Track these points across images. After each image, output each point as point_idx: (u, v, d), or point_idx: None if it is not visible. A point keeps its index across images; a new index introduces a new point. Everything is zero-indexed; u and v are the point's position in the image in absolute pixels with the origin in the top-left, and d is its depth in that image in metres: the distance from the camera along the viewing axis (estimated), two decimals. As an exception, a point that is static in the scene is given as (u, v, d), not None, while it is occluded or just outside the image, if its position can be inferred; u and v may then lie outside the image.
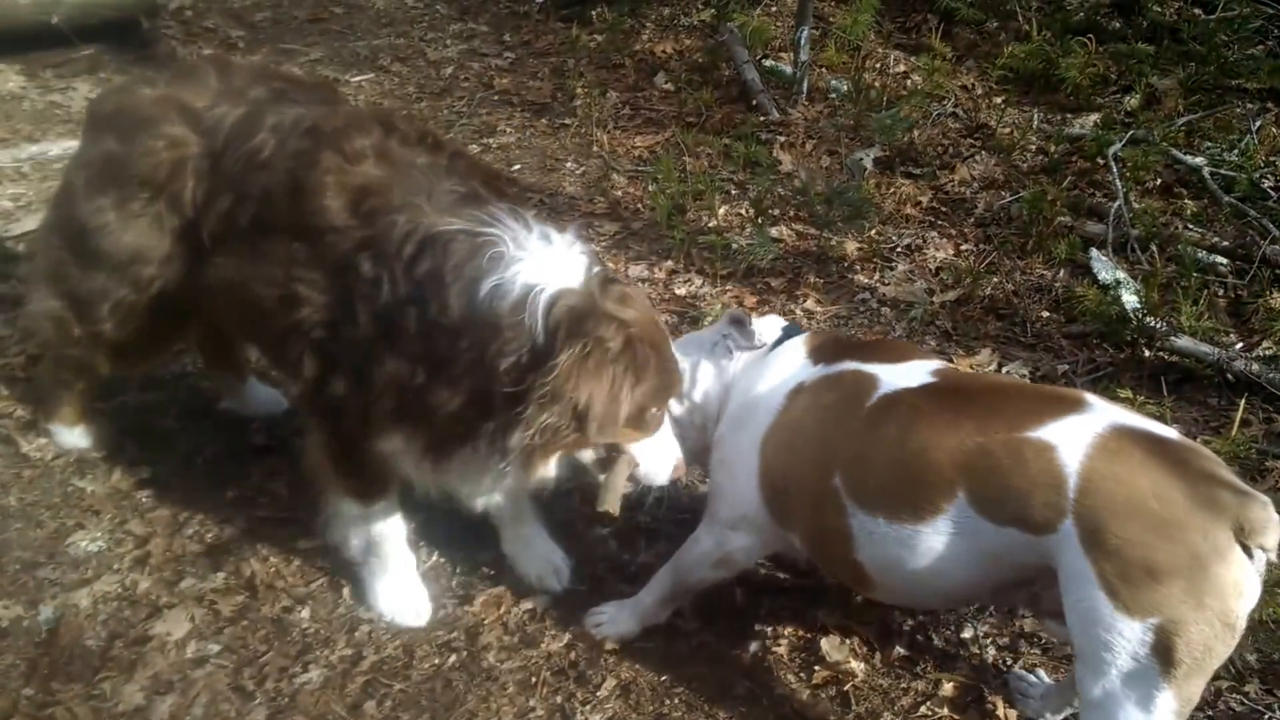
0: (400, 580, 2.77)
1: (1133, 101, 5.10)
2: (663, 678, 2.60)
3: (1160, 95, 5.14)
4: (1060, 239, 4.12)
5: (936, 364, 2.36)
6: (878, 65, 5.50)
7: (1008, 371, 3.62)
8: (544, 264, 2.17)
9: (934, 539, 2.08)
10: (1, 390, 3.44)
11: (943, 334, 3.84)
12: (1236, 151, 4.52)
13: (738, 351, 2.58)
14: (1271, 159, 4.52)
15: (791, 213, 4.48)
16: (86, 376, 3.12)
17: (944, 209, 4.56)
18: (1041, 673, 2.60)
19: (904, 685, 2.59)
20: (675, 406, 2.59)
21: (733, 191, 4.67)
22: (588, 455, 2.33)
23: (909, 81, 5.36)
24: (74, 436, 3.23)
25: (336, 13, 6.65)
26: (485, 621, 2.75)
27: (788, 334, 2.57)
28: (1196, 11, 5.53)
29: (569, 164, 4.98)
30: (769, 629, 2.72)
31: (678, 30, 6.15)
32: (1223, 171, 4.39)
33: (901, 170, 4.78)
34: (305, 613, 2.78)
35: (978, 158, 4.85)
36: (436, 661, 2.66)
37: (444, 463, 2.36)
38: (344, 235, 2.30)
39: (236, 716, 2.51)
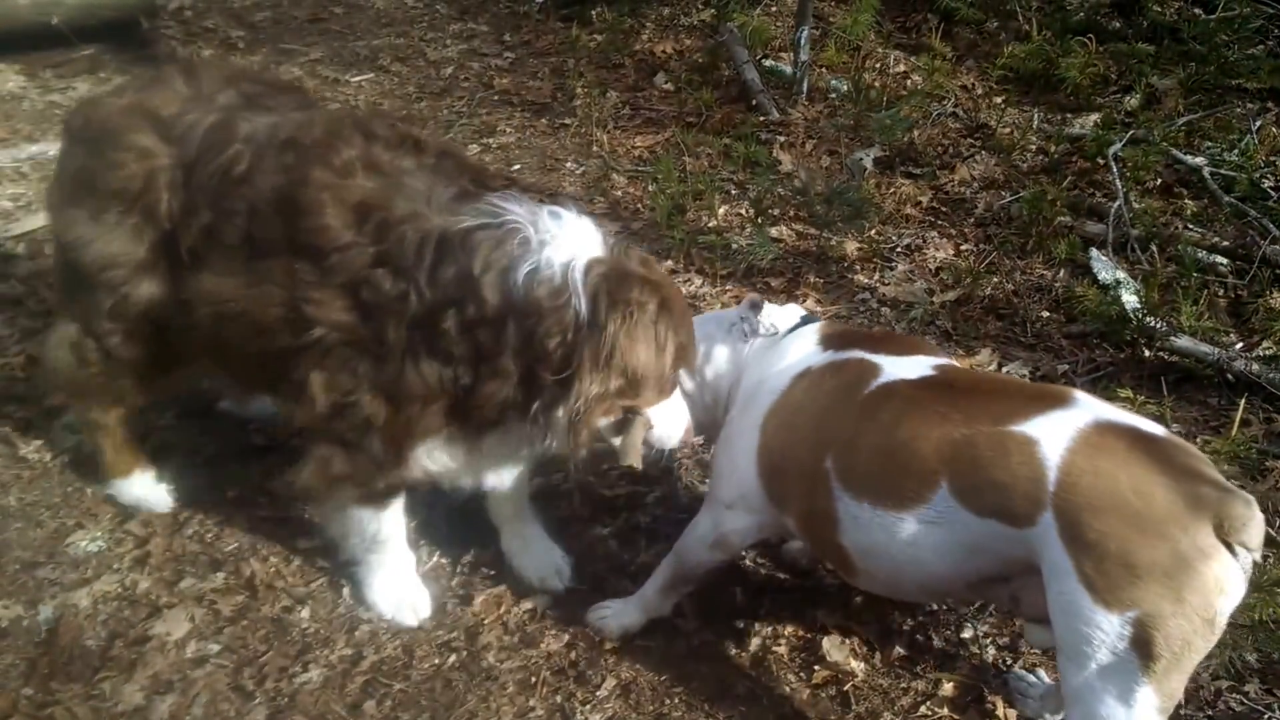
0: (400, 580, 2.77)
1: (1133, 101, 5.09)
2: (663, 677, 2.60)
3: (1160, 95, 5.14)
4: (1060, 239, 4.12)
5: (941, 360, 2.38)
6: (878, 65, 5.50)
7: (1008, 371, 3.62)
8: (567, 238, 2.23)
9: (916, 527, 2.09)
10: (1, 390, 3.43)
11: (943, 334, 3.84)
12: (1236, 151, 4.51)
13: (752, 336, 2.61)
14: (1271, 159, 4.51)
15: (791, 213, 4.48)
16: (116, 410, 2.95)
17: (944, 209, 4.56)
18: (1041, 673, 2.60)
19: (904, 685, 2.59)
20: (686, 381, 2.62)
21: (732, 191, 4.66)
22: (604, 420, 2.35)
23: (909, 81, 5.35)
24: (136, 487, 3.03)
25: (336, 13, 6.64)
26: (485, 621, 2.75)
27: (804, 322, 2.61)
28: (1196, 11, 5.52)
29: (569, 164, 4.98)
30: (769, 629, 2.72)
31: (678, 30, 6.15)
32: (1223, 171, 4.39)
33: (901, 170, 4.78)
34: (305, 612, 2.78)
35: (978, 158, 4.85)
36: (436, 661, 2.66)
37: (482, 452, 2.41)
38: (353, 252, 2.28)
39: (236, 716, 2.51)
